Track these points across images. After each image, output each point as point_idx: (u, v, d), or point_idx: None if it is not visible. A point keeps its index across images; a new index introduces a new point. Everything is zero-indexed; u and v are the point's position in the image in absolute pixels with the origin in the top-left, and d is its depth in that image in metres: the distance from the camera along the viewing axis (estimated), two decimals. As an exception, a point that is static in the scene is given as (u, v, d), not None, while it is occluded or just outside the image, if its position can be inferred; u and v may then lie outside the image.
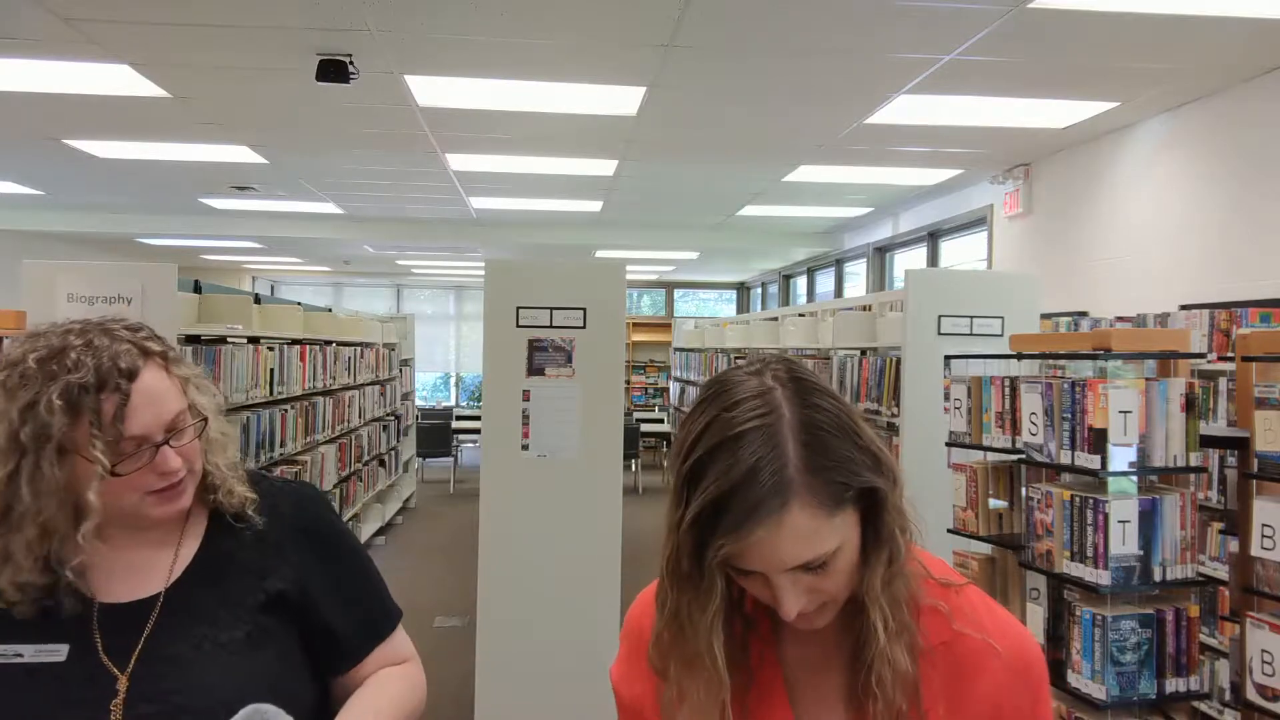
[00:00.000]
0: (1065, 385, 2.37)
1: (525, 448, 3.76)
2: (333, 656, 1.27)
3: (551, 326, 3.75)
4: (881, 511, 0.92)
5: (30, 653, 1.12)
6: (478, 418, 8.94)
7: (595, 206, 8.64)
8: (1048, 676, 1.01)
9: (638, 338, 15.04)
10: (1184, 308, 4.31)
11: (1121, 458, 2.26)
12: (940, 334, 3.88)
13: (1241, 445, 2.24)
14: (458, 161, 6.72)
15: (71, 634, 1.14)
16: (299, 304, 6.54)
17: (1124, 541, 2.22)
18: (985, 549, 2.69)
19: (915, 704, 0.95)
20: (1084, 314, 5.21)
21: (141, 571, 1.20)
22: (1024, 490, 2.54)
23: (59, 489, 1.09)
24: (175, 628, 1.17)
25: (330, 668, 1.28)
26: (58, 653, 1.12)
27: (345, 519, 6.10)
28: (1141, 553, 2.24)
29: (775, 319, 7.20)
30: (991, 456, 2.73)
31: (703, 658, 0.94)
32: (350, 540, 1.34)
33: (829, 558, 0.89)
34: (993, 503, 2.71)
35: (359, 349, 7.11)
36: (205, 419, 1.19)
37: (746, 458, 0.85)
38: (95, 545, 1.14)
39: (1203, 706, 3.21)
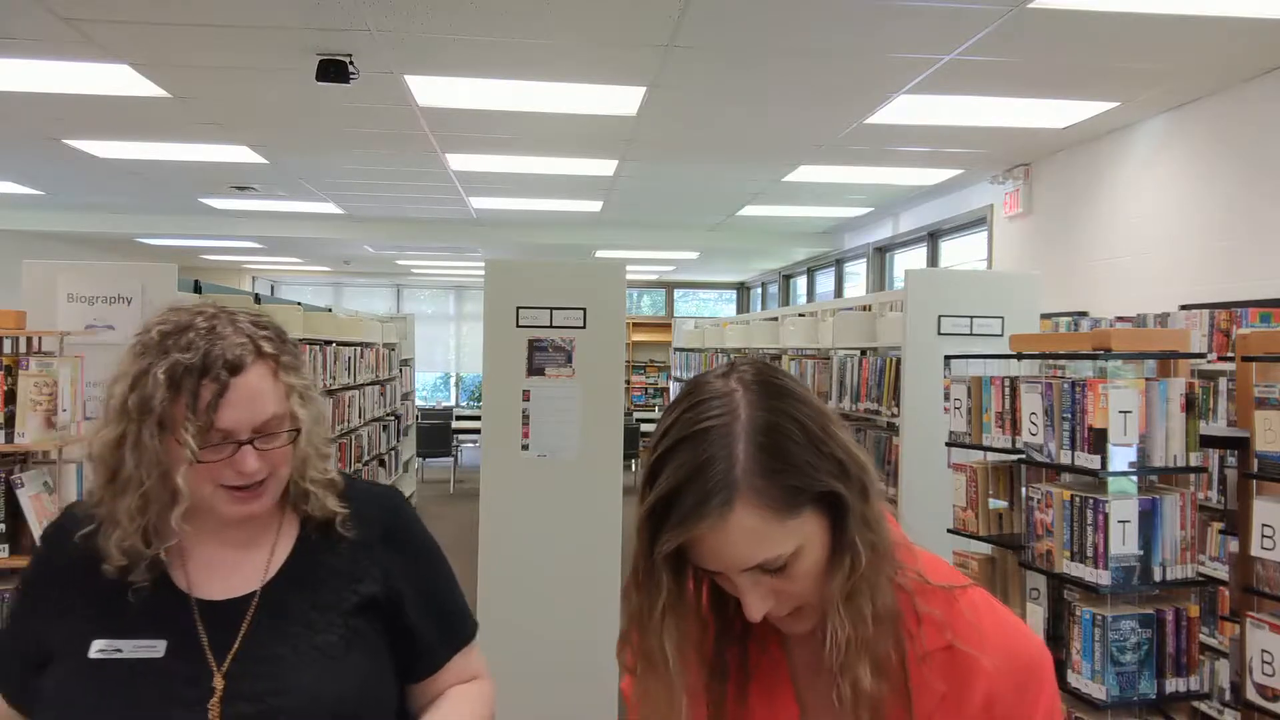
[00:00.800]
0: (1065, 385, 2.37)
1: (525, 448, 3.76)
2: (414, 662, 1.28)
3: (551, 326, 3.75)
4: (844, 519, 0.90)
5: (129, 648, 1.13)
6: (478, 418, 8.94)
7: (595, 206, 8.64)
8: (1054, 680, 0.99)
9: (638, 338, 15.04)
10: (1184, 308, 4.31)
11: (1121, 458, 2.26)
12: (940, 334, 3.88)
13: (1241, 445, 2.24)
14: (458, 161, 6.72)
15: (169, 629, 1.15)
16: (299, 304, 6.54)
17: (1124, 541, 2.22)
18: (985, 549, 2.69)
19: (907, 711, 0.94)
20: (1084, 314, 5.20)
21: (236, 570, 1.21)
22: (1024, 490, 2.54)
23: (156, 462, 1.11)
24: (271, 628, 1.17)
25: (410, 673, 1.28)
26: (155, 648, 1.14)
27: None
28: (1141, 553, 2.24)
29: (775, 319, 7.20)
30: (991, 456, 2.73)
31: (654, 655, 0.94)
32: (435, 548, 1.35)
33: (788, 560, 0.89)
34: (993, 503, 2.71)
35: (359, 349, 7.11)
36: (297, 431, 1.18)
37: (698, 456, 0.86)
38: (190, 537, 1.17)
39: (1203, 706, 3.21)
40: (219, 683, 1.13)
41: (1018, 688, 0.95)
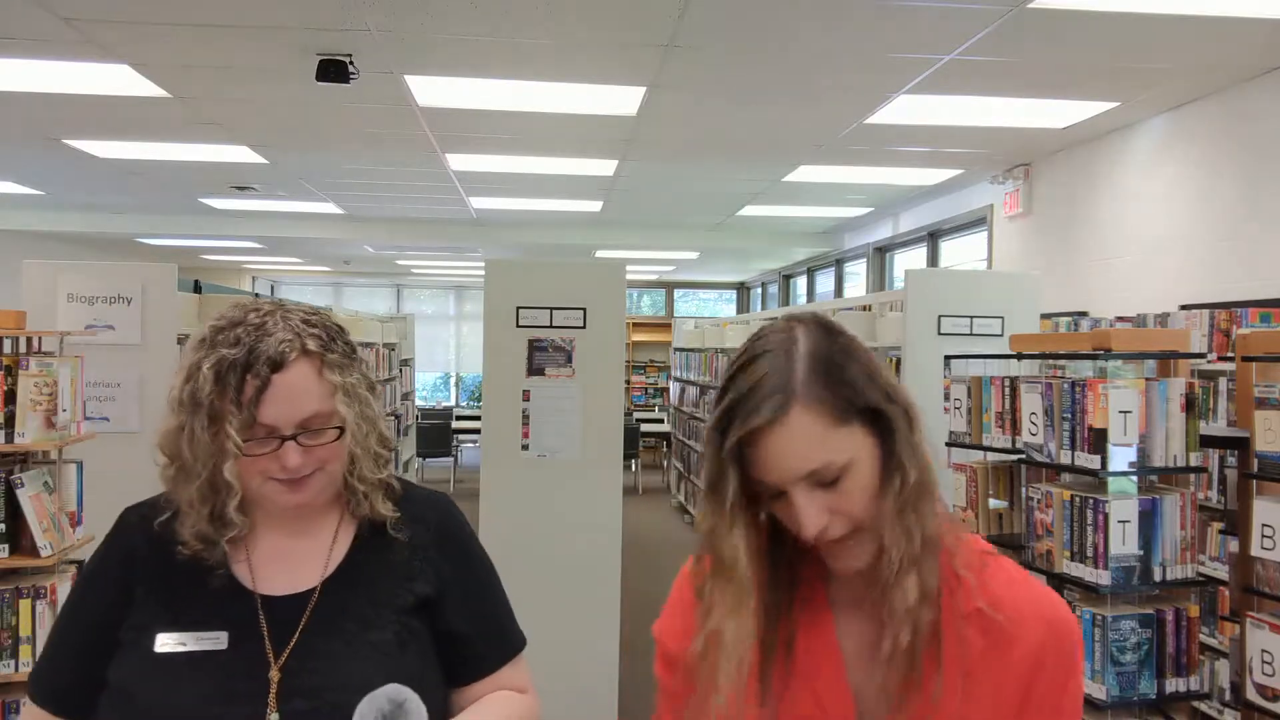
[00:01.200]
0: (1065, 385, 2.37)
1: (525, 448, 3.76)
2: (461, 666, 1.28)
3: (551, 326, 3.75)
4: (892, 440, 0.98)
5: (193, 641, 1.15)
6: (478, 418, 8.94)
7: (595, 206, 8.64)
8: (1083, 648, 1.04)
9: (638, 338, 15.04)
10: (1184, 308, 4.32)
11: (1121, 458, 2.26)
12: (940, 334, 3.88)
13: (1241, 445, 2.24)
14: (458, 161, 6.72)
15: (232, 622, 1.16)
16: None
17: (1124, 541, 2.22)
18: (985, 549, 2.69)
19: (936, 664, 0.96)
20: (1084, 314, 5.21)
21: (298, 565, 1.22)
22: (1024, 490, 2.54)
23: (209, 454, 1.14)
24: (328, 624, 1.18)
25: (455, 677, 1.28)
26: (219, 640, 1.15)
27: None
28: (1141, 553, 2.24)
29: (775, 319, 7.20)
30: (991, 456, 2.73)
31: (725, 556, 1.01)
32: (486, 557, 1.36)
33: (841, 473, 0.96)
34: (993, 503, 2.71)
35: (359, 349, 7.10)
36: (341, 429, 1.18)
37: (759, 370, 0.98)
38: (252, 531, 1.19)
39: (1203, 706, 3.21)
40: (275, 676, 1.14)
41: (1056, 652, 0.99)
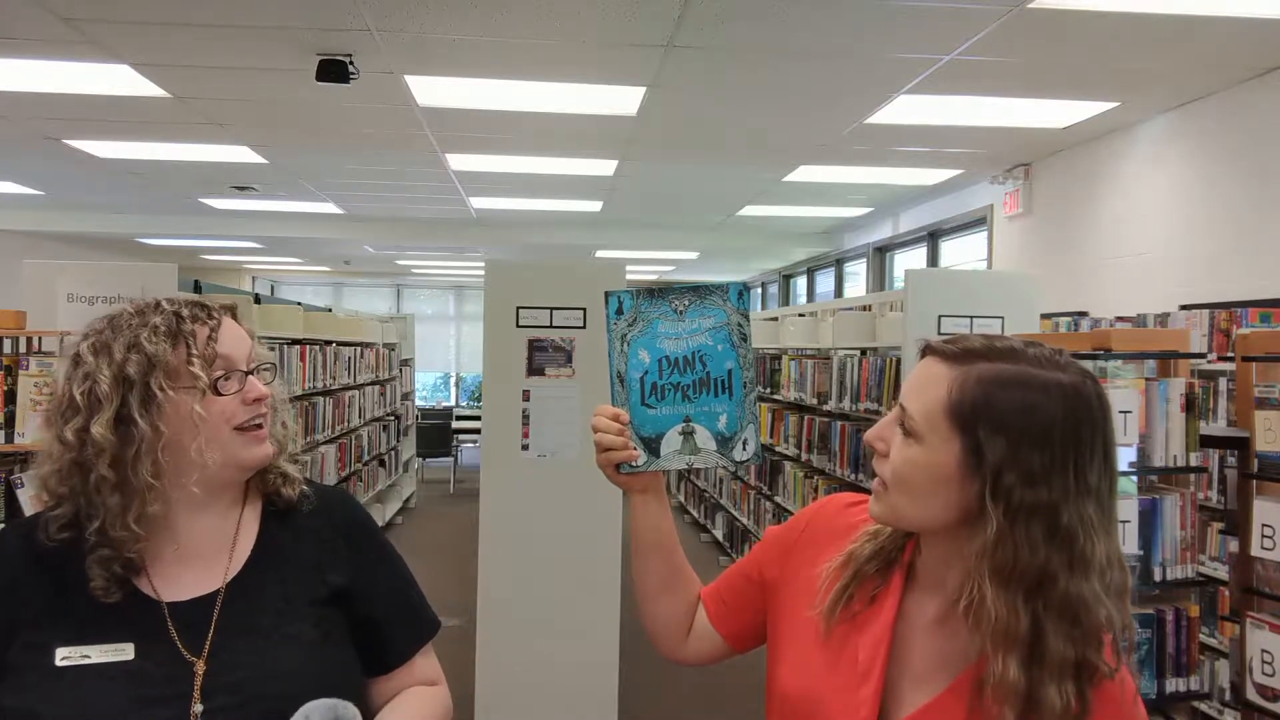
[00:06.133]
0: (1065, 385, 2.36)
1: (525, 448, 3.76)
2: (379, 654, 1.29)
3: (551, 326, 3.75)
4: (981, 483, 0.96)
5: (97, 653, 1.12)
6: (478, 418, 8.94)
7: (595, 206, 8.64)
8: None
9: (638, 338, 15.01)
10: (1184, 308, 4.31)
11: (1121, 458, 2.26)
12: (940, 334, 3.88)
13: (1241, 445, 2.24)
14: (458, 161, 6.72)
15: (136, 632, 1.14)
16: (299, 304, 6.54)
17: (1124, 541, 2.22)
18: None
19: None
20: (1084, 314, 5.20)
21: (200, 569, 1.21)
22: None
23: (174, 413, 1.15)
24: (243, 621, 1.18)
25: (373, 666, 1.29)
26: (124, 651, 1.13)
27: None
28: (1141, 553, 2.23)
29: (775, 319, 7.20)
30: (991, 456, 2.72)
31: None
32: (390, 545, 1.38)
33: (911, 429, 1.00)
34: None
35: (359, 349, 7.11)
36: (274, 365, 1.27)
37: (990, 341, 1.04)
38: (149, 546, 1.16)
39: (1203, 706, 3.21)
40: (198, 679, 1.12)
41: None
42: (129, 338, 1.16)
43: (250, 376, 1.21)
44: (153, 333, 1.16)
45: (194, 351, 1.16)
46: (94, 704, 1.09)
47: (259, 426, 1.21)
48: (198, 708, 1.11)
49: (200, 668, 1.13)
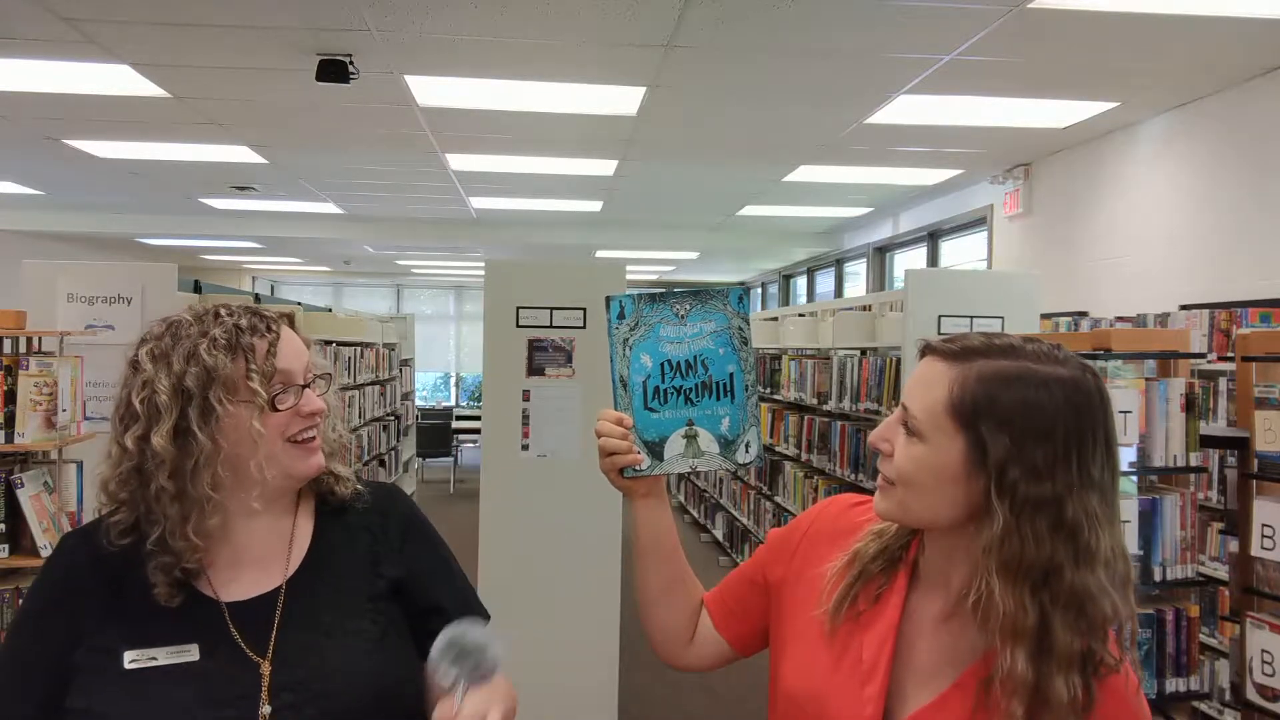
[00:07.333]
0: (1065, 385, 2.36)
1: (525, 448, 3.76)
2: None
3: (551, 326, 3.75)
4: (985, 478, 0.97)
5: (164, 655, 1.13)
6: (478, 418, 8.94)
7: (595, 206, 8.64)
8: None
9: (638, 338, 15.01)
10: (1184, 308, 4.32)
11: (1121, 458, 2.26)
12: (940, 334, 3.87)
13: (1241, 445, 2.23)
14: (458, 161, 6.72)
15: (200, 634, 1.14)
16: (299, 304, 6.54)
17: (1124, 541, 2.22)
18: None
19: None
20: (1084, 314, 5.21)
21: (259, 570, 1.21)
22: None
23: (233, 426, 1.14)
24: (304, 618, 1.19)
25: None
26: (189, 652, 1.13)
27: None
28: (1141, 553, 2.23)
29: (775, 319, 7.20)
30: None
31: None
32: (441, 538, 1.39)
33: (915, 428, 1.00)
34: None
35: (359, 349, 7.11)
36: (329, 375, 1.27)
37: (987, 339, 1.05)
38: (209, 548, 1.17)
39: (1203, 706, 3.21)
40: (264, 677, 1.13)
41: None
42: (188, 348, 1.15)
43: (307, 390, 1.21)
44: (212, 344, 1.15)
45: (253, 366, 1.16)
46: (162, 706, 1.09)
47: (312, 439, 1.21)
48: (266, 709, 1.11)
49: (265, 668, 1.14)
